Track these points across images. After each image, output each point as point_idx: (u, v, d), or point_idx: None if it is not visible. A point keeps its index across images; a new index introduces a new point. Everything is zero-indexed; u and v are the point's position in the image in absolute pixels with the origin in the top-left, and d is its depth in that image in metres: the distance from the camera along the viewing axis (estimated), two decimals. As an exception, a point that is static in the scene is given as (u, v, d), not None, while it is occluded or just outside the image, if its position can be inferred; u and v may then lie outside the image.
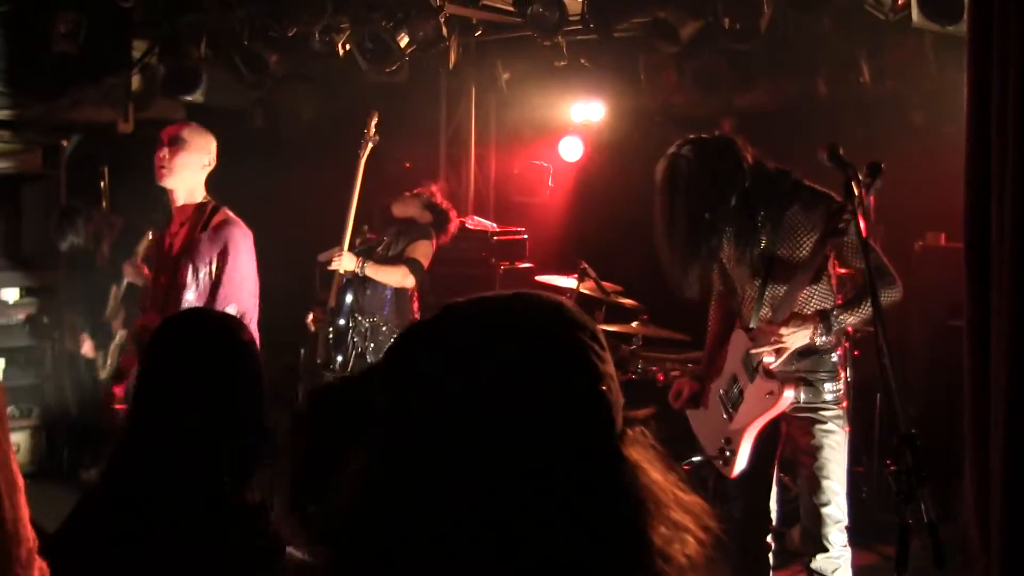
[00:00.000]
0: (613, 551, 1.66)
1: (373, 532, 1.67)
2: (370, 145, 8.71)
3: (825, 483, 6.11)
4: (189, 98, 10.13)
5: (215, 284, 6.93)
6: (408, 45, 9.45)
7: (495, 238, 11.44)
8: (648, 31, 9.40)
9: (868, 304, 5.61)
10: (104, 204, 10.02)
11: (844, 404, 6.20)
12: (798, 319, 6.02)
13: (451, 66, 10.97)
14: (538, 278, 10.20)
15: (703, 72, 10.43)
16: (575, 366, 1.70)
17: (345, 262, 8.69)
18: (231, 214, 7.28)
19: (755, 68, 10.22)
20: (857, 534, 8.35)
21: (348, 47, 9.82)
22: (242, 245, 7.15)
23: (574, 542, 1.63)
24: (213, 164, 7.30)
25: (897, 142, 9.49)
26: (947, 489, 6.94)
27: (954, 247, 8.56)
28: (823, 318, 6.01)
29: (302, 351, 11.55)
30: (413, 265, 8.83)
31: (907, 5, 7.67)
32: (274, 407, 10.61)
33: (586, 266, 9.27)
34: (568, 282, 9.48)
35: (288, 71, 10.66)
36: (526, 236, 11.84)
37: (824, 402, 6.12)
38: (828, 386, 6.14)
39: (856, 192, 5.22)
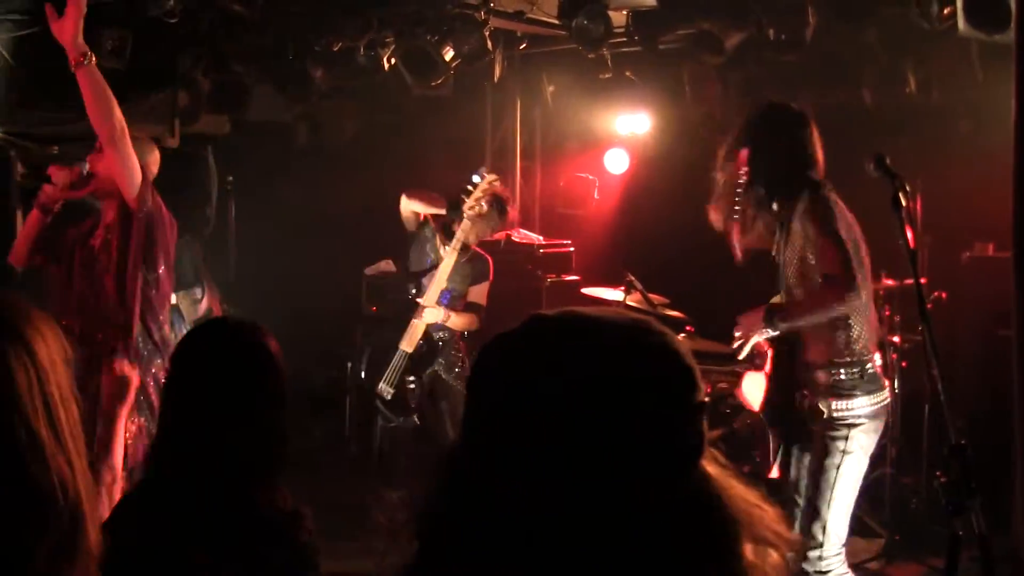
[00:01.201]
0: (708, 568, 1.66)
1: (457, 532, 1.69)
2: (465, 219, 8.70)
3: (815, 504, 6.05)
4: (234, 113, 10.18)
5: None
6: (453, 59, 9.46)
7: (541, 251, 11.44)
8: (693, 43, 9.39)
9: (817, 310, 5.90)
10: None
11: (855, 425, 6.08)
12: (753, 312, 6.10)
13: (496, 79, 10.98)
14: (584, 290, 10.20)
15: (748, 83, 10.42)
16: (675, 377, 1.71)
17: (429, 316, 8.71)
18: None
19: (800, 79, 10.19)
20: (906, 546, 8.34)
21: (393, 61, 9.84)
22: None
23: (667, 558, 1.64)
24: (151, 173, 6.65)
25: (944, 152, 9.46)
26: (997, 500, 6.88)
27: (1002, 257, 8.52)
28: (767, 314, 6.02)
29: (349, 364, 11.58)
30: (480, 311, 8.85)
31: (953, 14, 7.64)
32: (320, 418, 10.62)
33: (632, 278, 9.26)
34: (614, 294, 9.47)
35: (333, 86, 10.69)
36: (572, 248, 11.84)
37: (827, 420, 6.07)
38: (835, 404, 6.10)
39: (904, 202, 5.19)
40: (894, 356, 8.84)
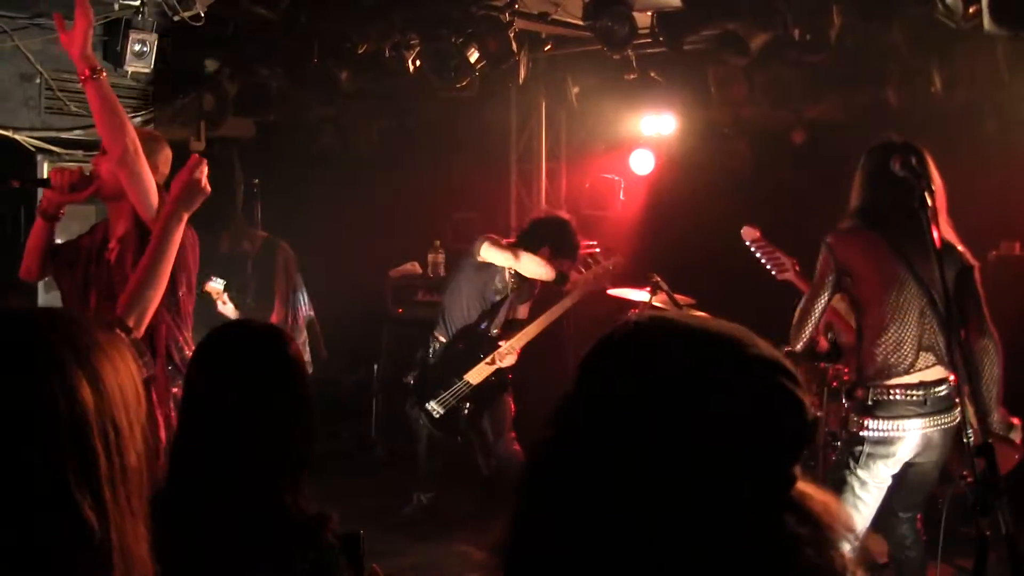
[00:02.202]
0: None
1: (538, 541, 1.69)
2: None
3: None
4: (260, 116, 10.21)
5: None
6: (478, 60, 9.46)
7: (567, 252, 11.44)
8: (718, 43, 9.37)
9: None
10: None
11: (860, 445, 6.21)
12: None
13: (521, 81, 10.98)
14: (610, 292, 10.19)
15: (773, 84, 10.40)
16: (783, 397, 1.74)
17: (508, 361, 9.09)
18: None
19: (825, 79, 10.17)
20: (933, 547, 8.29)
21: (418, 63, 9.85)
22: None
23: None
24: (162, 175, 6.12)
25: (969, 151, 9.42)
26: (1025, 500, 6.88)
27: (1029, 256, 8.51)
28: None
29: (375, 366, 11.61)
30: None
31: (978, 13, 7.61)
32: (348, 421, 10.66)
33: (658, 279, 9.24)
34: (640, 295, 9.46)
35: (358, 88, 10.71)
36: (598, 249, 11.83)
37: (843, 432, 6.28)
38: (852, 417, 6.24)
39: (929, 202, 5.20)
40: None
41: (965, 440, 4.71)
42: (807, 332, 6.26)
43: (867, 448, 6.18)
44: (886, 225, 6.14)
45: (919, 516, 6.73)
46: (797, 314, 6.31)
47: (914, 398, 6.13)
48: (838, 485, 6.23)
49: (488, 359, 9.18)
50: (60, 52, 8.20)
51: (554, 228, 9.42)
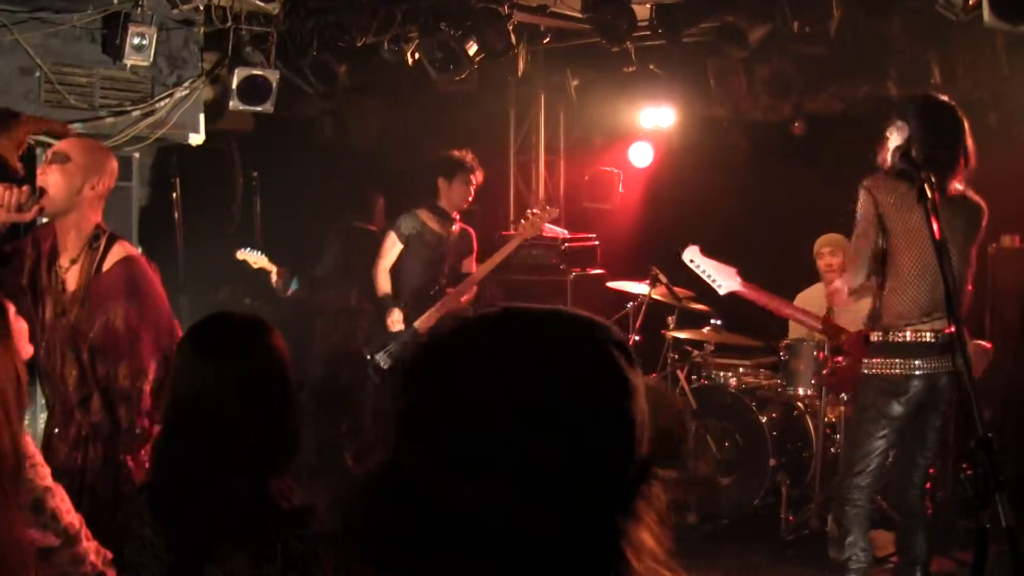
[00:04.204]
0: None
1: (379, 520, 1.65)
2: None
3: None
4: (259, 109, 10.19)
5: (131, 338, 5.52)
6: (477, 53, 9.46)
7: (566, 245, 11.46)
8: (717, 36, 9.36)
9: None
10: (176, 215, 10.11)
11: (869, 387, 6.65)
12: None
13: (520, 74, 10.99)
14: (609, 284, 10.20)
15: (772, 76, 10.40)
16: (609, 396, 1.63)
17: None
18: (130, 247, 5.78)
19: (824, 72, 10.17)
20: (933, 540, 8.30)
21: (417, 56, 9.85)
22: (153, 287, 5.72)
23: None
24: (107, 187, 5.71)
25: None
26: (1024, 493, 6.89)
27: (1029, 249, 8.52)
28: None
29: (369, 357, 11.61)
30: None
31: (978, 5, 7.60)
32: (347, 412, 10.66)
33: (657, 271, 9.26)
34: (640, 288, 9.47)
35: (357, 81, 10.70)
36: (597, 242, 11.84)
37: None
38: (864, 361, 6.71)
39: (929, 194, 5.20)
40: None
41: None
42: (862, 272, 6.55)
43: (881, 385, 6.52)
44: (917, 176, 6.24)
45: (928, 486, 7.02)
46: (851, 257, 6.73)
47: (925, 339, 6.45)
48: (855, 429, 6.82)
49: (436, 306, 9.55)
50: (59, 46, 8.20)
51: (439, 161, 9.94)
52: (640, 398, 1.66)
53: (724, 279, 7.12)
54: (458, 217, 9.84)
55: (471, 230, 10.11)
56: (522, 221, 10.05)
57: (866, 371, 6.58)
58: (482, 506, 1.57)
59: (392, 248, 9.82)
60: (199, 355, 3.61)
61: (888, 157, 6.47)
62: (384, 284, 9.77)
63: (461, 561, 1.58)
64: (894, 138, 6.46)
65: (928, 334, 6.45)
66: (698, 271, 7.22)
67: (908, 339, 6.46)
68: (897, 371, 6.47)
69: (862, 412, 6.68)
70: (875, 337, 6.56)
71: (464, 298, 9.71)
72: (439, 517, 1.58)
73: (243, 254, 10.42)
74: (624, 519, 1.61)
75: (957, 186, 6.47)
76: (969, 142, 6.45)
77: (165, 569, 3.41)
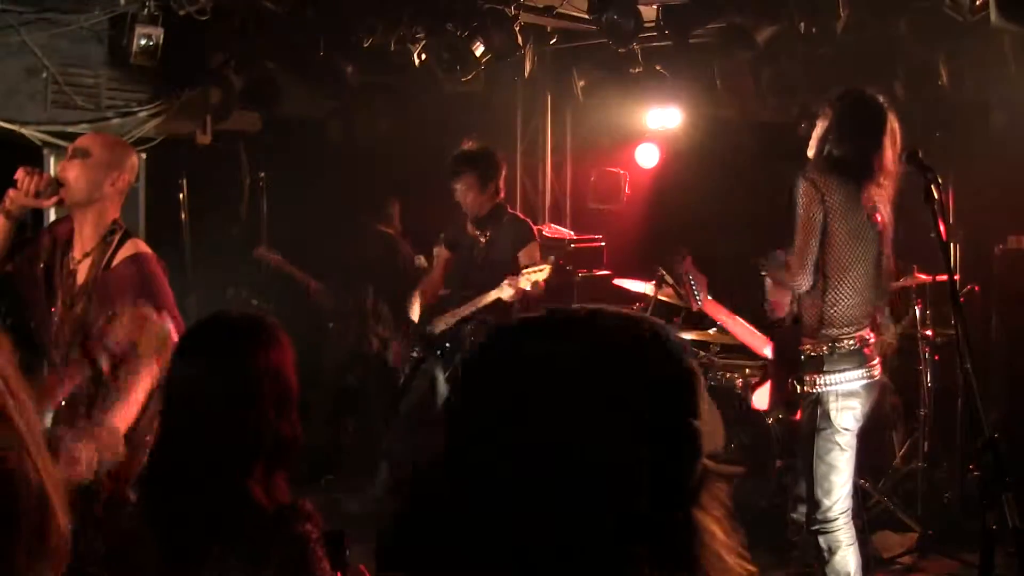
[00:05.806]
0: None
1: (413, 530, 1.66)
2: None
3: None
4: (266, 109, 10.20)
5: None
6: (483, 54, 9.46)
7: (572, 245, 11.45)
8: (723, 37, 9.37)
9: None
10: (183, 216, 10.13)
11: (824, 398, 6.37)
12: None
13: (526, 75, 10.99)
14: (616, 282, 10.21)
15: (779, 77, 10.39)
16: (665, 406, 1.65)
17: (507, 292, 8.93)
18: (142, 245, 5.78)
19: (832, 73, 10.16)
20: (940, 541, 8.30)
21: (424, 57, 9.85)
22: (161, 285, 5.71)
23: None
24: (127, 183, 5.77)
25: (977, 145, 9.43)
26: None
27: (1035, 250, 8.51)
28: None
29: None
30: None
31: (985, 6, 7.61)
32: (355, 413, 10.65)
33: (663, 273, 9.25)
34: (646, 288, 9.47)
35: (364, 82, 10.70)
36: (603, 243, 11.84)
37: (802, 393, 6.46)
38: (807, 378, 6.43)
39: (936, 196, 5.20)
40: (926, 349, 8.82)
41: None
42: (811, 274, 6.22)
43: (839, 402, 6.24)
44: (857, 175, 6.25)
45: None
46: (798, 258, 6.25)
47: (868, 345, 6.32)
48: (813, 451, 6.32)
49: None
50: (66, 47, 8.21)
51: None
52: (703, 387, 1.70)
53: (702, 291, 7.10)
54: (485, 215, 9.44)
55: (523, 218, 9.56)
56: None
57: (819, 389, 6.25)
58: (566, 504, 1.58)
59: None
60: (194, 353, 3.62)
61: (812, 145, 6.52)
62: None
63: (544, 561, 1.59)
64: (819, 127, 6.44)
65: (868, 340, 6.32)
66: (690, 279, 7.17)
67: (855, 347, 6.26)
68: (855, 383, 6.26)
69: (819, 432, 6.28)
70: (818, 350, 6.27)
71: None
72: (510, 518, 1.60)
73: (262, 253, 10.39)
74: (698, 511, 1.66)
75: (876, 188, 6.32)
76: (888, 148, 6.26)
77: (159, 571, 3.42)
